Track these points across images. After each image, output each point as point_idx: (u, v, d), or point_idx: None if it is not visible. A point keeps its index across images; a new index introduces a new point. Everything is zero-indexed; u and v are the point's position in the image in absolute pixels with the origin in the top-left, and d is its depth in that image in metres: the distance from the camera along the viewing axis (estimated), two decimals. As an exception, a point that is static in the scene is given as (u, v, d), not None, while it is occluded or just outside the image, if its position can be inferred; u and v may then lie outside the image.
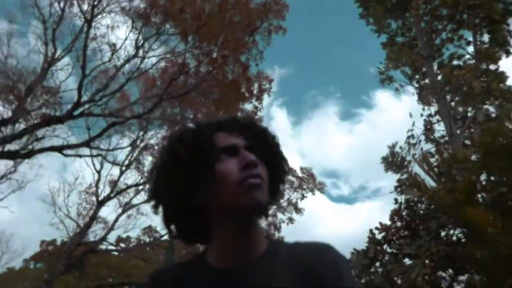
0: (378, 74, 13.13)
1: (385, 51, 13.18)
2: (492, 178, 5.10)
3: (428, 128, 12.10)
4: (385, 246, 5.92)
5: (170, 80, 11.01)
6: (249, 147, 0.90)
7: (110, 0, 11.43)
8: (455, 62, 12.53)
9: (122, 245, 18.69)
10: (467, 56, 12.23)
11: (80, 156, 12.19)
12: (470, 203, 4.52)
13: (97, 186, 15.51)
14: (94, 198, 15.70)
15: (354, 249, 6.03)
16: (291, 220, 19.35)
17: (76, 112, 11.00)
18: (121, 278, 18.08)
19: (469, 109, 11.33)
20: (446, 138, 10.77)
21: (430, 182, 5.53)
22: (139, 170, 15.94)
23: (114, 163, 15.18)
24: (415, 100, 13.08)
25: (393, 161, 10.19)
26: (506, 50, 11.59)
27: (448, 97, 10.19)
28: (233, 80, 11.67)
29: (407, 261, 5.48)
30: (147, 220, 17.90)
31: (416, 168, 9.24)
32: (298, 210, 19.46)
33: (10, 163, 11.62)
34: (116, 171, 16.04)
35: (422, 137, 12.26)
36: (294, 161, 36.46)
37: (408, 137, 11.77)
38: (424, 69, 12.37)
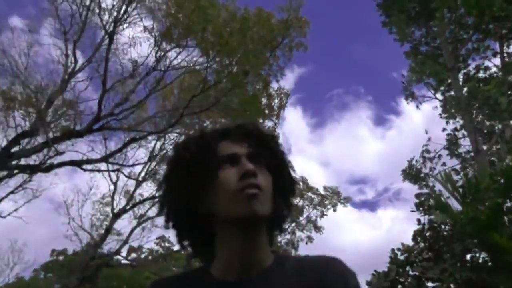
0: (402, 89, 12.98)
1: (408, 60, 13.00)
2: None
3: (454, 143, 11.82)
4: (407, 268, 5.79)
5: (191, 96, 11.16)
6: (252, 155, 0.89)
7: (133, 17, 11.64)
8: (481, 74, 12.23)
9: (134, 255, 18.49)
10: (494, 69, 11.93)
11: (99, 171, 12.30)
12: (495, 227, 4.38)
13: (112, 198, 15.13)
14: (108, 209, 15.45)
15: (375, 270, 5.90)
16: (310, 239, 18.57)
17: (95, 126, 11.02)
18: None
19: (496, 122, 11.01)
20: (472, 154, 10.49)
21: (453, 202, 5.41)
22: (154, 181, 15.47)
23: (130, 177, 14.94)
24: (437, 113, 12.88)
25: (409, 173, 11.89)
26: (535, 62, 11.26)
27: (474, 111, 9.94)
28: (254, 96, 11.71)
29: (430, 285, 5.33)
30: (162, 232, 17.49)
31: (438, 185, 9.06)
32: (317, 229, 18.67)
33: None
34: (132, 181, 15.69)
35: (443, 152, 12.21)
36: (314, 172, 33.57)
37: (423, 152, 12.08)
38: (449, 81, 12.12)
